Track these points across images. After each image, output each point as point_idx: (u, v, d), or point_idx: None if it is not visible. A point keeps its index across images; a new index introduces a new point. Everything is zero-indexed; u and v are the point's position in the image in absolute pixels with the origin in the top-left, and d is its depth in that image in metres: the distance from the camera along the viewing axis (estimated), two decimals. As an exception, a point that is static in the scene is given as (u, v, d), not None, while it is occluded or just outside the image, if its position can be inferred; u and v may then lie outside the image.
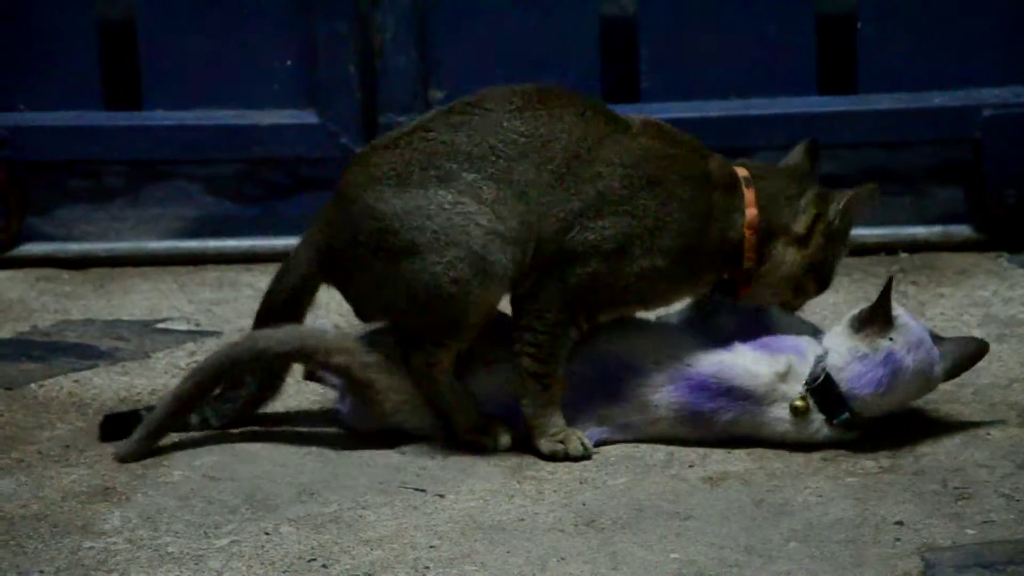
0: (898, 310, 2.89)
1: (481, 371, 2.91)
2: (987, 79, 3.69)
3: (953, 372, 2.91)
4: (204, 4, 3.77)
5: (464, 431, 2.89)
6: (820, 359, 2.87)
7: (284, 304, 2.93)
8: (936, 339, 2.90)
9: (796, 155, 2.97)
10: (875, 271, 3.61)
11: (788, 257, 2.88)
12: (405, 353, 2.86)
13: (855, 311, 2.89)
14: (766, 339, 2.92)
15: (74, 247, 3.80)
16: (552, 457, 2.86)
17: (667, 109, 3.71)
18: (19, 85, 3.79)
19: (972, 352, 2.92)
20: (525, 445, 2.89)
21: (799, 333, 2.95)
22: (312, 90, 3.76)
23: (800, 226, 2.88)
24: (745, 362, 2.87)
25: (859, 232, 3.70)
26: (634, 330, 2.93)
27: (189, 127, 3.76)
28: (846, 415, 2.85)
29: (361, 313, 2.92)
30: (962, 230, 3.70)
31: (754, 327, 2.94)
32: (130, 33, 3.79)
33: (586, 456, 2.86)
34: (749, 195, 2.86)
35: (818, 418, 2.87)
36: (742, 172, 2.89)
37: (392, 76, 3.74)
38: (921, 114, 3.69)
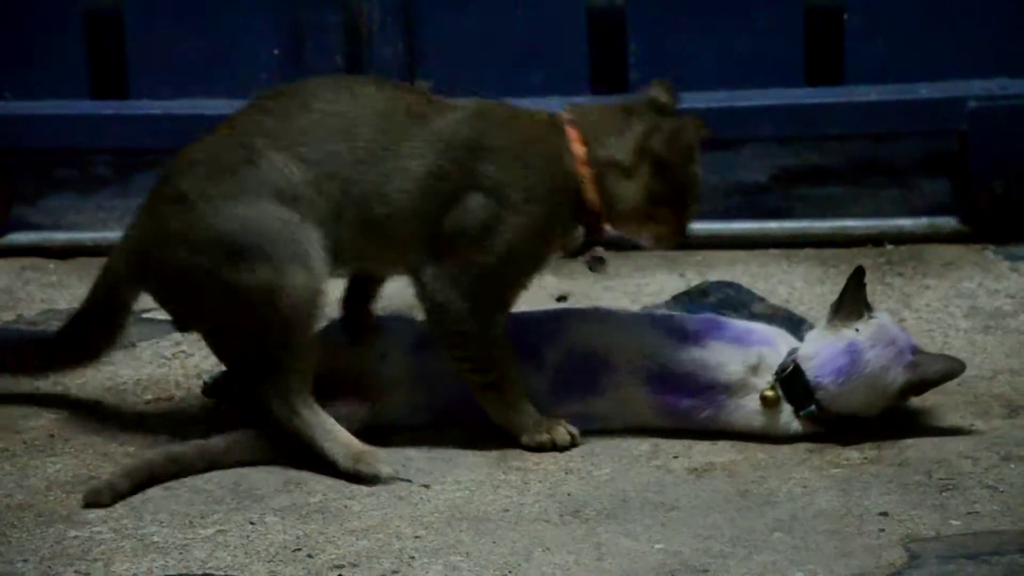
0: (881, 314, 2.89)
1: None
2: (973, 71, 3.69)
3: (919, 385, 2.87)
4: (191, -7, 3.77)
5: (343, 462, 2.78)
6: (793, 351, 2.88)
7: (100, 312, 2.88)
8: (916, 351, 2.89)
9: (651, 88, 2.94)
10: (861, 263, 3.60)
11: (624, 190, 2.84)
12: (258, 394, 2.77)
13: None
14: (739, 332, 2.92)
15: (61, 236, 3.79)
16: (540, 448, 2.86)
17: (654, 100, 3.71)
18: (5, 73, 3.78)
19: (944, 369, 2.88)
20: (509, 436, 2.90)
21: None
22: (299, 80, 3.75)
23: (625, 157, 2.84)
24: (718, 358, 2.88)
25: (846, 223, 3.72)
26: (610, 327, 2.93)
27: (176, 116, 3.74)
28: (812, 408, 2.86)
29: (181, 325, 2.88)
30: (948, 222, 3.70)
31: (728, 322, 2.95)
32: (117, 22, 3.78)
33: (575, 444, 2.86)
34: (573, 133, 2.84)
35: (788, 409, 2.87)
36: (565, 115, 2.87)
37: (378, 66, 3.73)
38: (907, 106, 3.69)
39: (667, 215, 2.87)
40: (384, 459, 2.79)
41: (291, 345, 2.76)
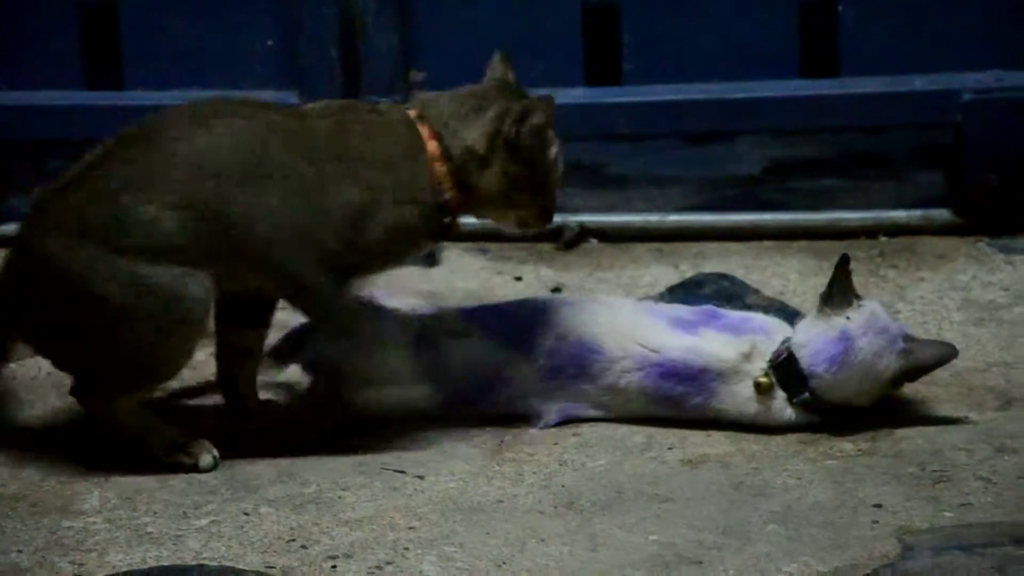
0: (872, 303, 2.90)
1: (453, 346, 2.91)
2: (968, 63, 3.68)
3: (913, 371, 2.88)
4: (186, -17, 3.76)
5: (163, 453, 2.79)
6: (787, 339, 2.89)
7: None
8: (908, 338, 2.89)
9: (494, 67, 2.93)
10: (855, 255, 3.60)
11: (482, 179, 2.83)
12: (85, 400, 2.79)
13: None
14: (734, 321, 2.93)
15: (54, 227, 3.78)
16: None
17: (649, 92, 3.71)
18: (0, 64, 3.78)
19: (937, 354, 2.89)
20: (502, 424, 2.90)
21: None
22: (294, 72, 3.74)
23: (479, 145, 2.83)
24: (711, 346, 2.88)
25: (839, 215, 3.72)
26: (602, 314, 2.94)
27: (171, 107, 3.74)
28: (806, 395, 2.86)
29: (59, 366, 2.84)
30: (942, 214, 3.70)
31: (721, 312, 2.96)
32: (112, 12, 3.77)
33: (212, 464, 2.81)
34: (426, 131, 2.82)
35: (781, 396, 2.88)
36: (417, 111, 2.85)
37: (374, 58, 3.73)
38: (902, 98, 3.68)
39: (528, 199, 2.86)
40: (208, 448, 2.79)
41: (160, 381, 2.79)
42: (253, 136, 2.77)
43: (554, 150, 2.86)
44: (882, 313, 2.90)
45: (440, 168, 2.82)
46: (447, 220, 2.85)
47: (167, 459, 2.79)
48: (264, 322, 2.91)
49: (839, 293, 2.88)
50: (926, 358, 2.87)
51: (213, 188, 2.73)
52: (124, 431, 2.80)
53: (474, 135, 2.83)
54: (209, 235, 2.72)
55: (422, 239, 2.86)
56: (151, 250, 2.70)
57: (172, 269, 2.70)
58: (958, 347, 2.94)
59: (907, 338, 2.89)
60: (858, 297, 2.89)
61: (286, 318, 3.00)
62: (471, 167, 2.83)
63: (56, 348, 2.80)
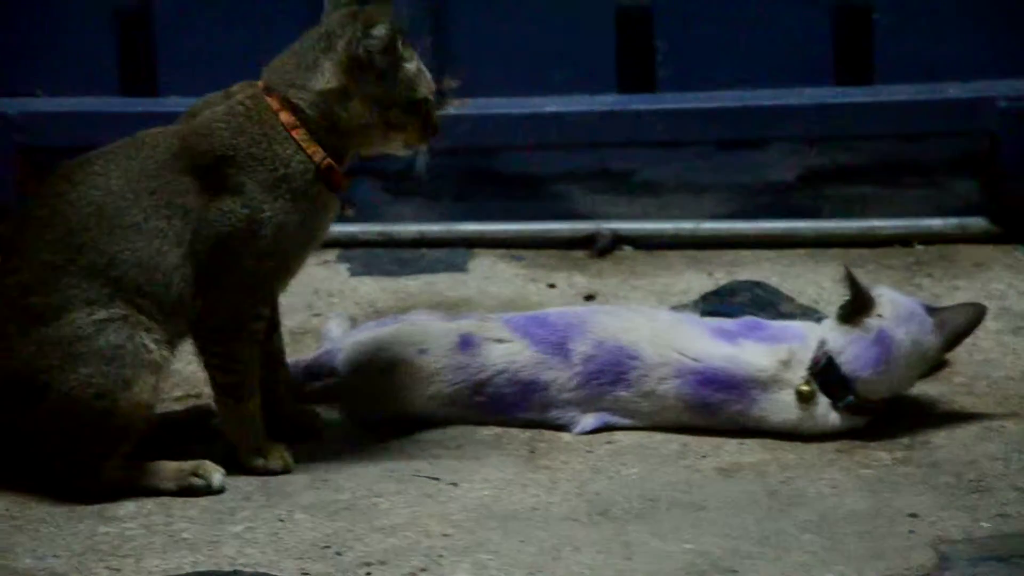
0: (880, 288, 2.90)
1: (492, 353, 2.91)
2: (1003, 70, 3.68)
3: (953, 340, 2.90)
4: (221, -9, 3.77)
5: (173, 485, 2.75)
6: (822, 343, 2.88)
7: None
8: (930, 310, 2.90)
9: None
10: (889, 263, 3.61)
11: (348, 113, 2.76)
12: (75, 485, 2.72)
13: (837, 307, 2.90)
14: (774, 331, 2.93)
15: (89, 233, 3.79)
16: (253, 471, 2.79)
17: (683, 99, 3.71)
18: (36, 71, 3.80)
19: (970, 317, 2.91)
20: (538, 435, 2.90)
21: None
22: (328, 78, 3.75)
23: (330, 82, 2.75)
24: (748, 355, 2.88)
25: (874, 223, 3.71)
26: (640, 322, 2.94)
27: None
28: (851, 398, 2.86)
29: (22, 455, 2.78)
30: (977, 222, 3.69)
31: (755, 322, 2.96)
32: (147, 20, 3.79)
33: (287, 470, 2.80)
34: (273, 102, 2.76)
35: (824, 403, 2.87)
36: (262, 83, 2.79)
37: (408, 64, 3.73)
38: (937, 105, 3.68)
39: (403, 116, 2.78)
40: (215, 467, 2.75)
41: (130, 438, 2.72)
42: (134, 177, 2.73)
43: (412, 60, 2.78)
44: (901, 297, 2.91)
45: (298, 134, 2.74)
46: (332, 180, 2.76)
47: (179, 488, 2.74)
48: (272, 326, 2.88)
49: (861, 299, 2.87)
50: (961, 324, 2.89)
51: (107, 241, 2.70)
52: (126, 487, 2.74)
53: (326, 76, 2.75)
54: (153, 290, 2.70)
55: (312, 220, 2.76)
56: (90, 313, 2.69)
57: (120, 334, 2.68)
58: (994, 356, 2.93)
59: (930, 310, 2.89)
60: (871, 294, 2.89)
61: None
62: (335, 108, 2.75)
63: (16, 435, 2.73)
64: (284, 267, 2.78)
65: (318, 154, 2.75)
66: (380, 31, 2.74)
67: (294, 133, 2.75)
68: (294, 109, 2.76)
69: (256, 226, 2.72)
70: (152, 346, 2.70)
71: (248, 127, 2.76)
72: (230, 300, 2.75)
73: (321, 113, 2.76)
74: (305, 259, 2.83)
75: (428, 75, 2.81)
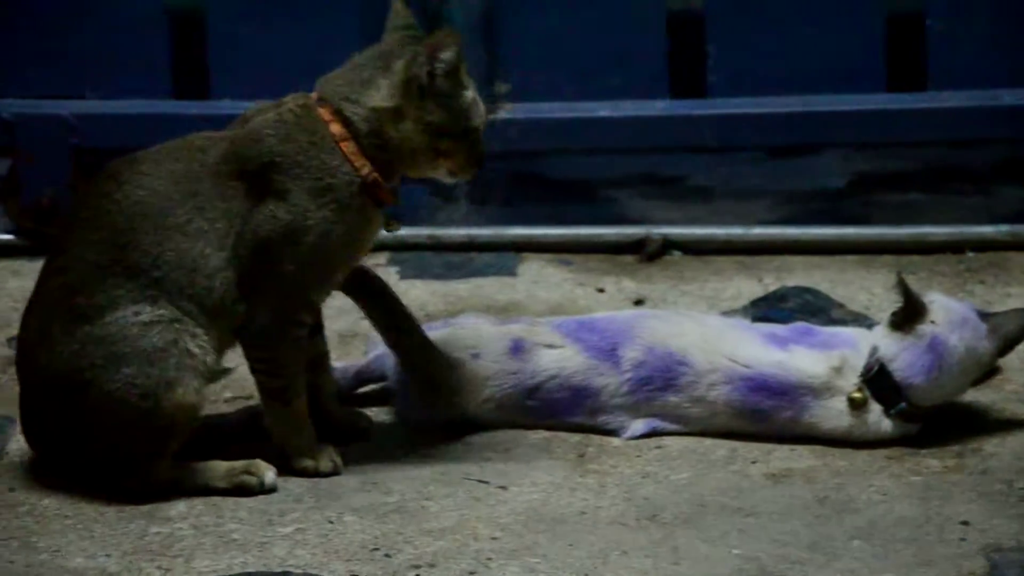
0: (932, 294, 2.89)
1: (543, 357, 2.91)
2: (1057, 77, 3.66)
3: (1007, 345, 2.89)
4: (274, -6, 3.79)
5: (225, 483, 2.75)
6: (874, 350, 2.87)
7: None
8: (983, 315, 2.89)
9: (395, 16, 2.84)
10: (941, 270, 3.59)
11: (400, 134, 2.76)
12: (123, 485, 2.73)
13: (889, 314, 2.89)
14: (825, 338, 2.92)
15: (141, 235, 3.81)
16: (303, 473, 2.79)
17: (734, 104, 3.71)
18: (87, 74, 3.82)
19: (1023, 323, 2.90)
20: (587, 439, 2.90)
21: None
22: (379, 81, 3.76)
23: (388, 101, 2.76)
24: (800, 361, 2.87)
25: (925, 230, 3.69)
26: (690, 327, 2.94)
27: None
28: (903, 405, 2.85)
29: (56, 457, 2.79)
30: (1030, 229, 3.68)
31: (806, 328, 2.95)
32: (200, 22, 3.81)
33: (336, 472, 2.81)
34: (324, 113, 2.77)
35: (877, 410, 2.86)
36: (315, 95, 2.80)
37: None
38: (990, 112, 3.66)
39: (453, 145, 2.78)
40: (267, 465, 2.76)
41: (176, 438, 2.73)
42: (182, 179, 2.75)
43: (470, 88, 2.79)
44: (953, 303, 2.89)
45: (347, 147, 2.76)
46: (378, 194, 2.77)
47: (231, 487, 2.76)
48: (316, 328, 2.88)
49: (914, 306, 2.86)
50: (1014, 329, 2.89)
51: (160, 247, 2.72)
52: (178, 487, 2.75)
53: (381, 93, 2.76)
54: (193, 294, 2.72)
55: (359, 231, 2.78)
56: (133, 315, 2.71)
57: (156, 327, 2.70)
58: (1045, 364, 2.92)
59: (983, 316, 2.88)
60: (924, 300, 2.87)
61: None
62: (387, 127, 2.76)
63: (59, 438, 2.75)
64: (325, 276, 2.79)
65: (365, 167, 2.76)
66: (448, 55, 2.75)
67: (342, 145, 2.76)
68: (345, 122, 2.77)
69: (298, 233, 2.73)
70: (196, 351, 2.72)
71: (297, 135, 2.77)
72: (272, 305, 2.76)
73: (372, 129, 2.77)
74: (347, 271, 2.83)
75: (483, 106, 2.83)
